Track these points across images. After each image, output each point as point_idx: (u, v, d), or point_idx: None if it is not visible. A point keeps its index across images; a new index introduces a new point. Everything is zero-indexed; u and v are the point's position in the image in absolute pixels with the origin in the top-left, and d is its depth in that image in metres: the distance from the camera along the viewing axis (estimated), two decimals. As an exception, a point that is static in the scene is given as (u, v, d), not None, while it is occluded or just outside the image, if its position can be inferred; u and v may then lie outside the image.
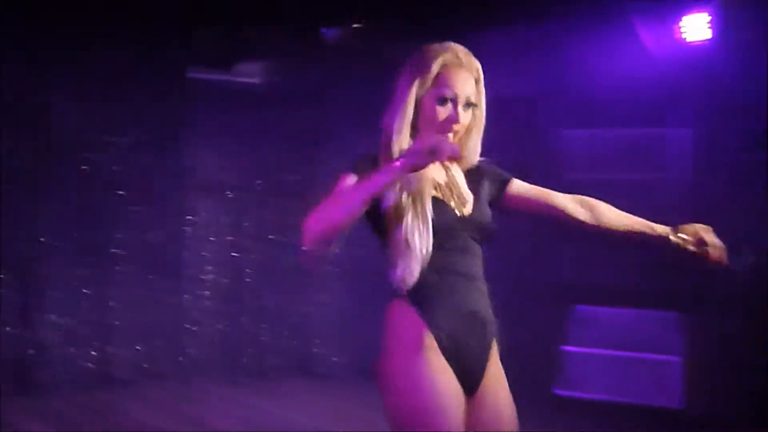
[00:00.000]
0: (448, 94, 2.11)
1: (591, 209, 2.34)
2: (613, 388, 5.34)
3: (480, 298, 2.16)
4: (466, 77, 2.13)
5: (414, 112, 2.14)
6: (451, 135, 2.12)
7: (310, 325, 6.65)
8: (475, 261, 2.17)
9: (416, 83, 2.12)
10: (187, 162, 6.31)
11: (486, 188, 2.25)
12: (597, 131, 5.55)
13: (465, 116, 2.13)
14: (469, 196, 2.19)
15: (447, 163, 2.18)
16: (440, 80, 2.11)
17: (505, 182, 2.31)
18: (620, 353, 5.44)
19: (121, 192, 6.01)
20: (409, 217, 2.07)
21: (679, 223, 2.46)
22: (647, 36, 5.15)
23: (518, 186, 2.32)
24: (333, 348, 6.64)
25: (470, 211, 2.16)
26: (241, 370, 6.43)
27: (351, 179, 2.11)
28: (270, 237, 6.57)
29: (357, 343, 6.57)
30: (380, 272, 7.30)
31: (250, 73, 6.32)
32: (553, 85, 5.50)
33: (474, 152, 2.22)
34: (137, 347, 6.08)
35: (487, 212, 2.21)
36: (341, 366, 6.61)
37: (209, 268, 6.40)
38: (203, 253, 6.39)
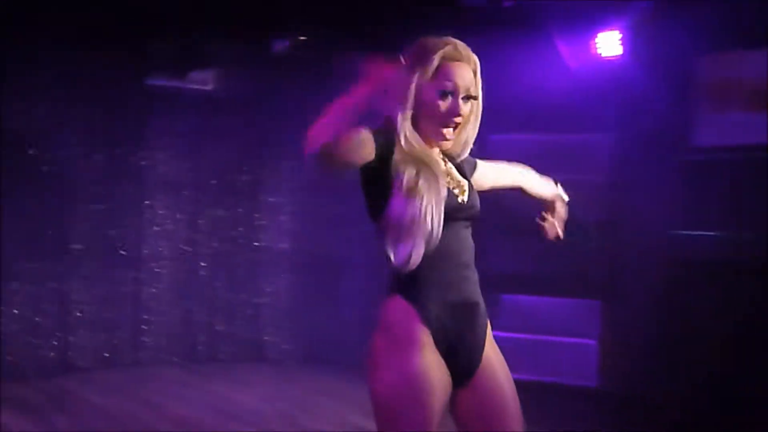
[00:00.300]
0: (449, 86, 2.02)
1: (536, 182, 2.42)
2: (536, 369, 5.42)
3: (472, 287, 2.09)
4: (466, 70, 2.05)
5: (414, 103, 2.04)
6: (451, 128, 2.06)
7: (261, 314, 6.65)
8: (468, 248, 2.10)
9: (417, 75, 2.02)
10: (145, 162, 6.26)
11: (468, 175, 2.20)
12: (521, 136, 5.62)
13: (465, 108, 2.06)
14: (465, 184, 2.13)
15: (444, 153, 2.14)
16: (441, 73, 2.02)
17: (475, 165, 2.26)
18: (542, 337, 5.53)
19: (82, 190, 5.96)
20: (424, 198, 1.95)
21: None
22: (567, 51, 5.25)
23: (482, 167, 2.29)
24: (283, 336, 6.66)
25: (466, 199, 2.10)
26: (197, 357, 6.41)
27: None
28: (222, 232, 6.55)
29: (305, 331, 6.60)
30: (326, 266, 7.26)
31: (203, 81, 6.29)
32: (482, 93, 5.55)
33: (469, 143, 2.15)
34: (98, 337, 6.02)
35: (478, 199, 2.15)
36: (290, 352, 6.63)
37: (166, 262, 6.36)
38: (160, 248, 6.34)
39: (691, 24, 4.81)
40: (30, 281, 5.72)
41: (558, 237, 2.38)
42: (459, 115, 2.04)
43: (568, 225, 2.44)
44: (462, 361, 2.04)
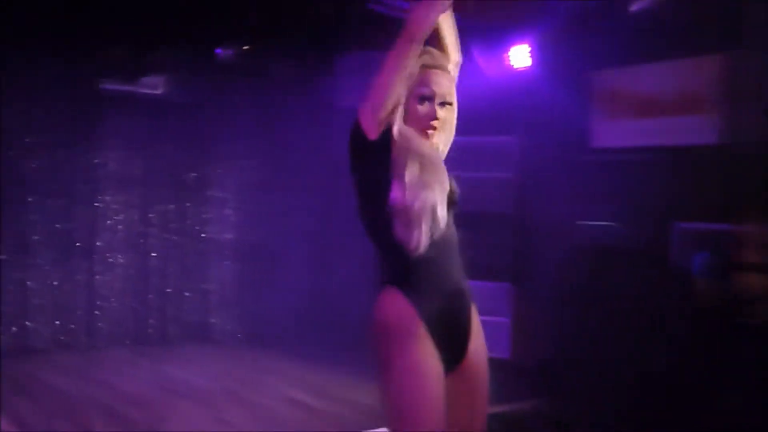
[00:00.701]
0: (427, 92, 1.98)
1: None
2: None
3: (460, 273, 2.02)
4: (443, 78, 2.01)
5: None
6: (428, 132, 2.00)
7: (207, 299, 6.60)
8: (455, 235, 2.03)
9: None
10: (99, 161, 6.15)
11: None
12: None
13: (441, 112, 2.00)
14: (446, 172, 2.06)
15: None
16: (420, 80, 1.98)
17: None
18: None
19: (40, 186, 5.84)
20: (435, 189, 1.92)
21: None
22: (483, 62, 5.32)
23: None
24: (228, 319, 6.62)
25: (449, 187, 2.03)
26: (148, 340, 6.32)
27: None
28: (171, 225, 6.48)
29: (247, 314, 6.58)
30: (267, 256, 7.18)
31: (154, 86, 6.20)
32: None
33: (446, 145, 2.10)
34: (55, 322, 5.89)
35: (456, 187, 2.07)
36: (234, 334, 6.60)
37: (118, 252, 6.25)
38: (113, 240, 6.23)
39: (590, 41, 4.93)
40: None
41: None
42: (435, 118, 2.00)
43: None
44: (453, 348, 1.98)
